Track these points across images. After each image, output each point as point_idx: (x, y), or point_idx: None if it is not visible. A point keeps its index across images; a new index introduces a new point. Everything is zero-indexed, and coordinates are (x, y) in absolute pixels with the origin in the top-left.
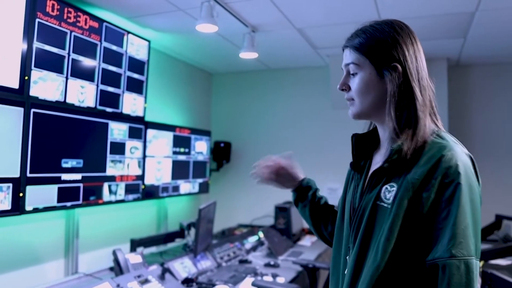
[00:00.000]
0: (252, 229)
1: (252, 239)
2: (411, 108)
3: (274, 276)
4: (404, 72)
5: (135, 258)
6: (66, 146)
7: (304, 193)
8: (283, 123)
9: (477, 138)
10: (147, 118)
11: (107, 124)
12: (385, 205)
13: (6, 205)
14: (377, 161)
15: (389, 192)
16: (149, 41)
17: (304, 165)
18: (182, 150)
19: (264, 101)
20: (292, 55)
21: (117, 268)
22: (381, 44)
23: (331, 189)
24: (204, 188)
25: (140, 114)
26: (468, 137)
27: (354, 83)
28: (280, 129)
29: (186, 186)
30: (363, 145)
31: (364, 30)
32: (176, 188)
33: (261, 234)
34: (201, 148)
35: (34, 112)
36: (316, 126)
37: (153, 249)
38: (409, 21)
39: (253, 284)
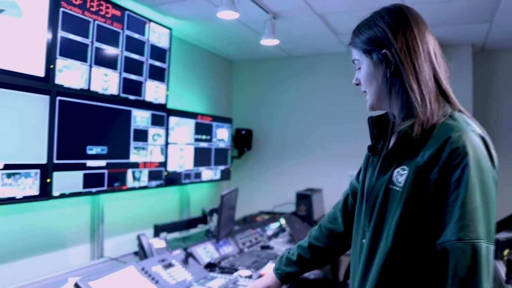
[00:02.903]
0: (274, 216)
1: (274, 226)
2: (408, 93)
3: None
4: (395, 59)
5: (158, 243)
6: (91, 133)
7: (291, 276)
8: (305, 110)
9: (503, 126)
10: (169, 106)
11: (130, 112)
12: (397, 188)
13: (34, 190)
14: (391, 144)
15: (400, 175)
16: (170, 29)
17: (325, 153)
18: (204, 137)
19: (285, 88)
20: (313, 41)
21: (142, 253)
22: (371, 35)
23: (353, 176)
24: (225, 175)
25: (162, 101)
26: (494, 124)
27: (361, 76)
28: (302, 116)
29: (208, 173)
30: (381, 128)
31: (359, 27)
32: (198, 175)
33: (282, 221)
34: (222, 135)
35: (59, 100)
36: (338, 112)
37: (176, 235)
38: (433, 5)
39: None
